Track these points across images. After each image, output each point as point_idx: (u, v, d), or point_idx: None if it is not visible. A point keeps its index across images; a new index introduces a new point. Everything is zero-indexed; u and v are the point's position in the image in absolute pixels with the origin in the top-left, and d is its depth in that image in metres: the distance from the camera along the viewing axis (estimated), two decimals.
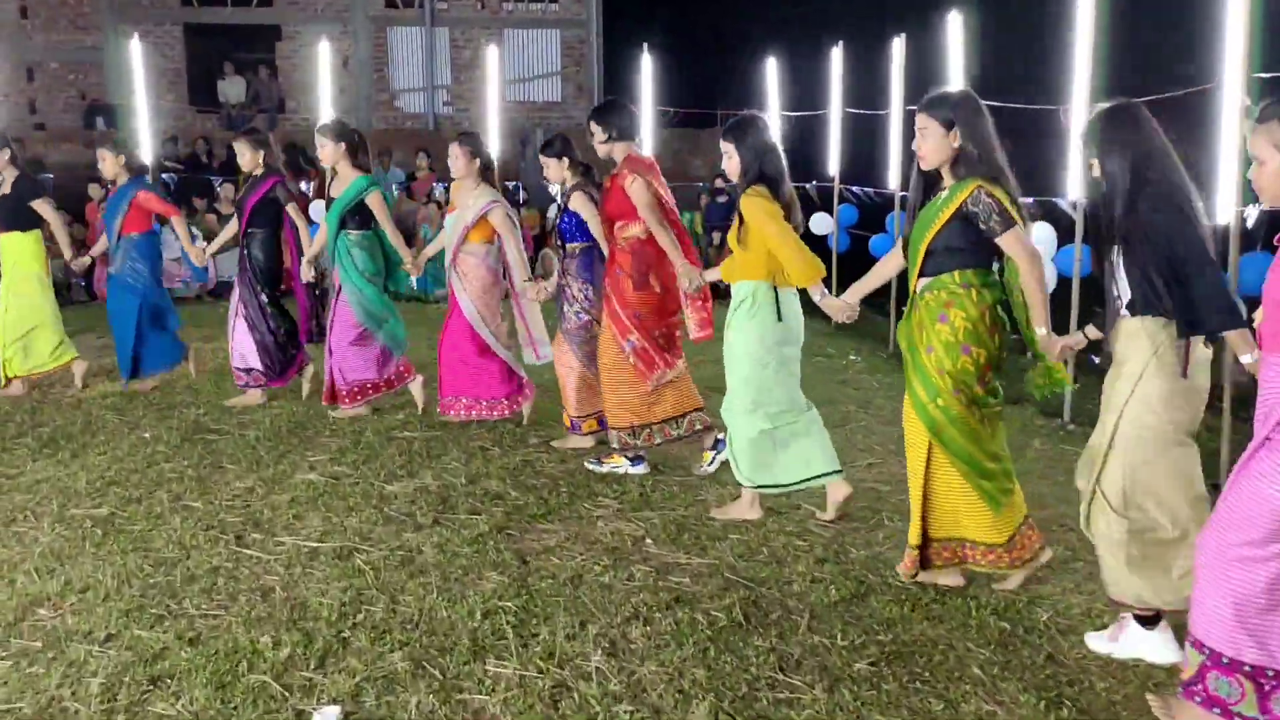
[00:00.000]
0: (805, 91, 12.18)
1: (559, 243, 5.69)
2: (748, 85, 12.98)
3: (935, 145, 3.69)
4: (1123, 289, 3.31)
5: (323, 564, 4.13)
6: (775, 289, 4.45)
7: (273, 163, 6.66)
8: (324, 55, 11.25)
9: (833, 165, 10.76)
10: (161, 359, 7.19)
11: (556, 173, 5.63)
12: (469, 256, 6.08)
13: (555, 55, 18.52)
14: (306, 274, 6.60)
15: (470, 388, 6.14)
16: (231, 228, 6.86)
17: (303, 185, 14.12)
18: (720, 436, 5.24)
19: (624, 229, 5.17)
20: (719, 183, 13.51)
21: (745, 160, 4.42)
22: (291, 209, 6.60)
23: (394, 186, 13.47)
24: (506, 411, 6.17)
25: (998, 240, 3.64)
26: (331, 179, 6.48)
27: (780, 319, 4.46)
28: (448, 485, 5.13)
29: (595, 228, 5.47)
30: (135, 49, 11.01)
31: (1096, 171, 3.36)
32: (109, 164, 7.00)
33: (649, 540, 4.40)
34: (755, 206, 4.36)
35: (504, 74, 18.35)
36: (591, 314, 5.53)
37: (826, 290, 4.38)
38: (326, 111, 10.86)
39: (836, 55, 10.54)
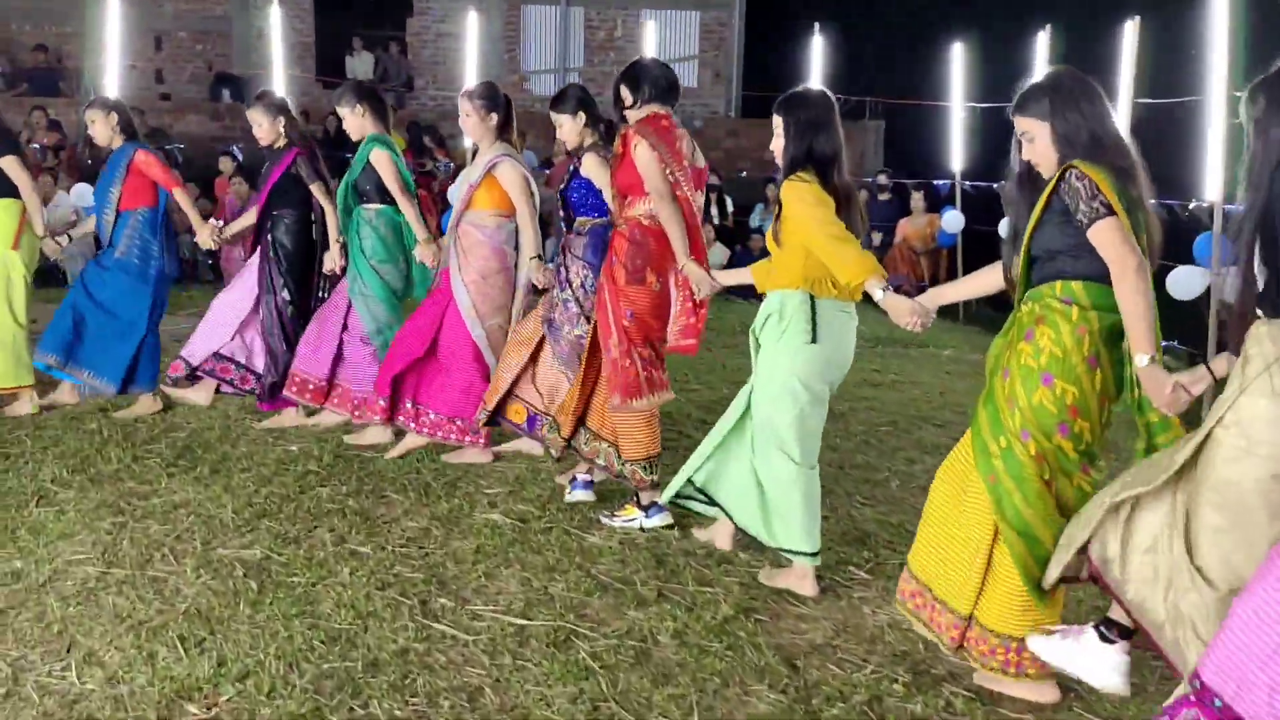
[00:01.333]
0: (999, 80, 10.99)
1: (564, 216, 4.74)
2: (926, 72, 11.82)
3: (1044, 148, 2.95)
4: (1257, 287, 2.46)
5: (535, 652, 3.23)
6: (812, 301, 3.59)
7: (293, 133, 5.57)
8: (472, 26, 10.44)
9: None
10: (150, 373, 5.76)
11: (572, 132, 4.61)
12: (472, 229, 5.01)
13: (694, 39, 17.54)
14: (330, 262, 5.54)
15: (437, 397, 5.12)
16: (252, 213, 5.83)
17: (431, 165, 13.47)
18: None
19: (630, 206, 4.23)
20: (881, 178, 12.40)
21: (791, 139, 3.62)
22: (316, 189, 5.51)
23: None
24: (455, 436, 5.13)
25: (1088, 234, 2.82)
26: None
27: (815, 340, 3.58)
28: (658, 539, 4.21)
29: (610, 198, 4.46)
30: (275, 17, 10.37)
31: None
32: (99, 127, 5.63)
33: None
34: (796, 193, 3.54)
35: (639, 56, 17.53)
36: (587, 309, 4.57)
37: (889, 286, 3.39)
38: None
39: (1043, 40, 9.40)
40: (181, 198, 5.73)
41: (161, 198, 5.71)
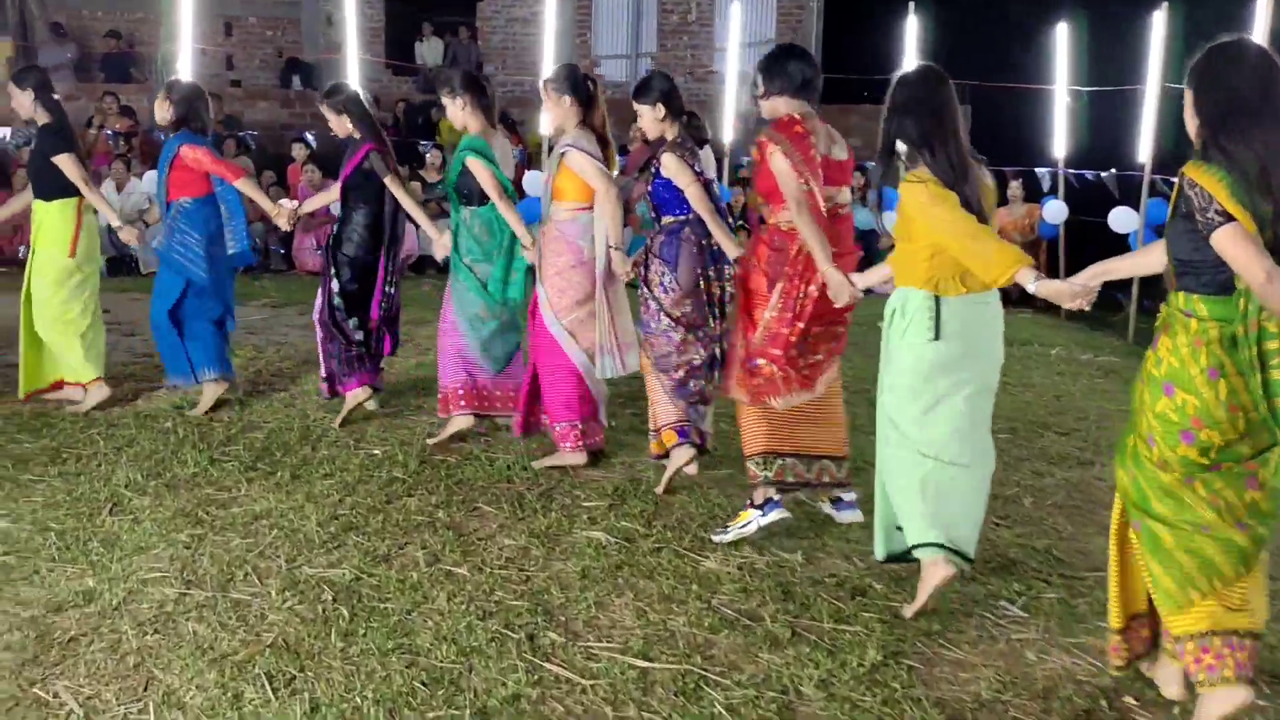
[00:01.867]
0: (1108, 63, 10.38)
1: (652, 214, 4.65)
2: (1024, 54, 11.22)
3: (1192, 129, 2.77)
4: None
5: (663, 703, 2.85)
6: (936, 299, 3.38)
7: (364, 126, 5.32)
8: (550, 10, 10.08)
9: (1143, 151, 9.02)
10: (210, 356, 5.50)
11: (651, 123, 4.51)
12: (550, 222, 4.86)
13: (770, 22, 17.02)
14: (441, 252, 5.38)
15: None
16: (332, 193, 5.70)
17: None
18: (845, 496, 4.14)
19: (772, 213, 4.07)
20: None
21: (888, 124, 3.44)
22: (390, 181, 5.31)
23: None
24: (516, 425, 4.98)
25: (1211, 242, 2.62)
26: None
27: (938, 337, 3.37)
28: (782, 565, 3.81)
29: (695, 197, 4.45)
30: (349, 2, 10.09)
31: None
32: (158, 110, 5.52)
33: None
34: (912, 198, 3.33)
35: (713, 42, 17.06)
36: (666, 306, 4.50)
37: (1041, 273, 3.12)
38: (545, 69, 9.70)
39: (1159, 20, 8.79)
40: (246, 186, 5.51)
41: (216, 189, 5.52)
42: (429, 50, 16.15)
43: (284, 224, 5.74)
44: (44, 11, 15.86)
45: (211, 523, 4.00)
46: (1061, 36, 10.29)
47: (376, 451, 4.93)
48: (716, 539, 4.01)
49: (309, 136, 11.74)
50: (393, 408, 5.68)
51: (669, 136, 4.55)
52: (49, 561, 3.61)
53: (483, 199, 5.08)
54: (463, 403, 5.05)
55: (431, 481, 4.54)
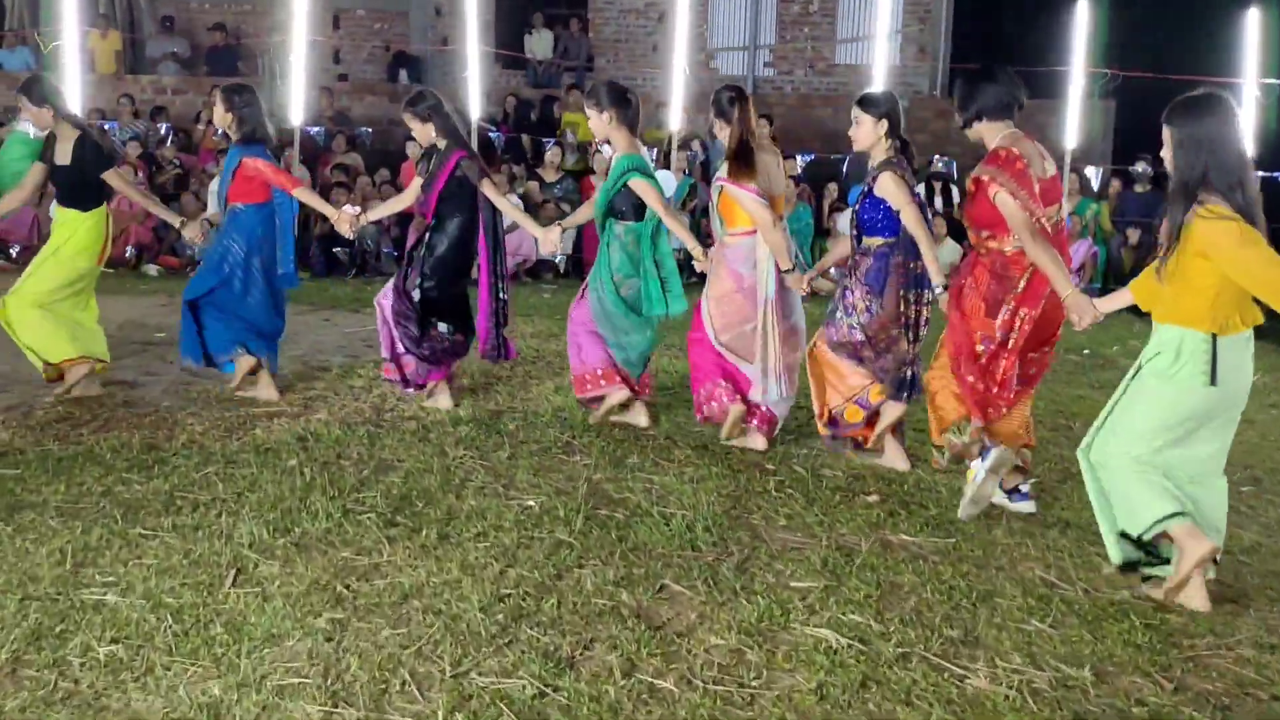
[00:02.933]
0: None
1: (854, 234, 4.70)
2: (1213, 44, 10.15)
3: None
4: None
5: None
6: (1214, 340, 3.32)
7: (449, 136, 5.27)
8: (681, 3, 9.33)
9: None
10: (224, 342, 5.52)
11: (869, 136, 4.57)
12: (719, 248, 5.02)
13: (897, 11, 16.03)
14: (548, 248, 5.54)
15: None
16: (405, 197, 5.62)
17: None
18: (1023, 487, 4.34)
19: (992, 239, 4.12)
20: (1140, 166, 10.76)
21: (1185, 156, 3.31)
22: (486, 186, 5.27)
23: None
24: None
25: None
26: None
27: (1214, 382, 3.32)
28: (1067, 682, 3.00)
29: (912, 220, 4.47)
30: None
31: None
32: (217, 115, 5.63)
33: None
34: (1221, 234, 3.23)
35: (835, 33, 16.14)
36: (869, 332, 4.61)
37: None
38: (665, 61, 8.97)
39: None
40: (304, 195, 5.54)
41: (275, 197, 5.57)
42: (539, 43, 15.53)
43: (346, 230, 5.62)
44: (152, 5, 15.62)
45: (354, 602, 3.32)
46: (1252, 24, 9.23)
47: (531, 503, 4.22)
48: (963, 515, 4.14)
49: None
50: (538, 444, 4.98)
51: (879, 155, 4.56)
52: (165, 654, 2.96)
53: (636, 214, 5.10)
54: (602, 382, 5.20)
55: (603, 547, 3.81)
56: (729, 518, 4.15)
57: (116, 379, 5.89)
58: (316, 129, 12.20)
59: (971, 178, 4.11)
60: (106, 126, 12.11)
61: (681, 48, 9.44)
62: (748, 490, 4.46)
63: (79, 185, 5.43)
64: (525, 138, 12.81)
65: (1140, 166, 10.69)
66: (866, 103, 4.59)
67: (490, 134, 12.08)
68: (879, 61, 11.35)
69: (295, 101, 10.13)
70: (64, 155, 5.40)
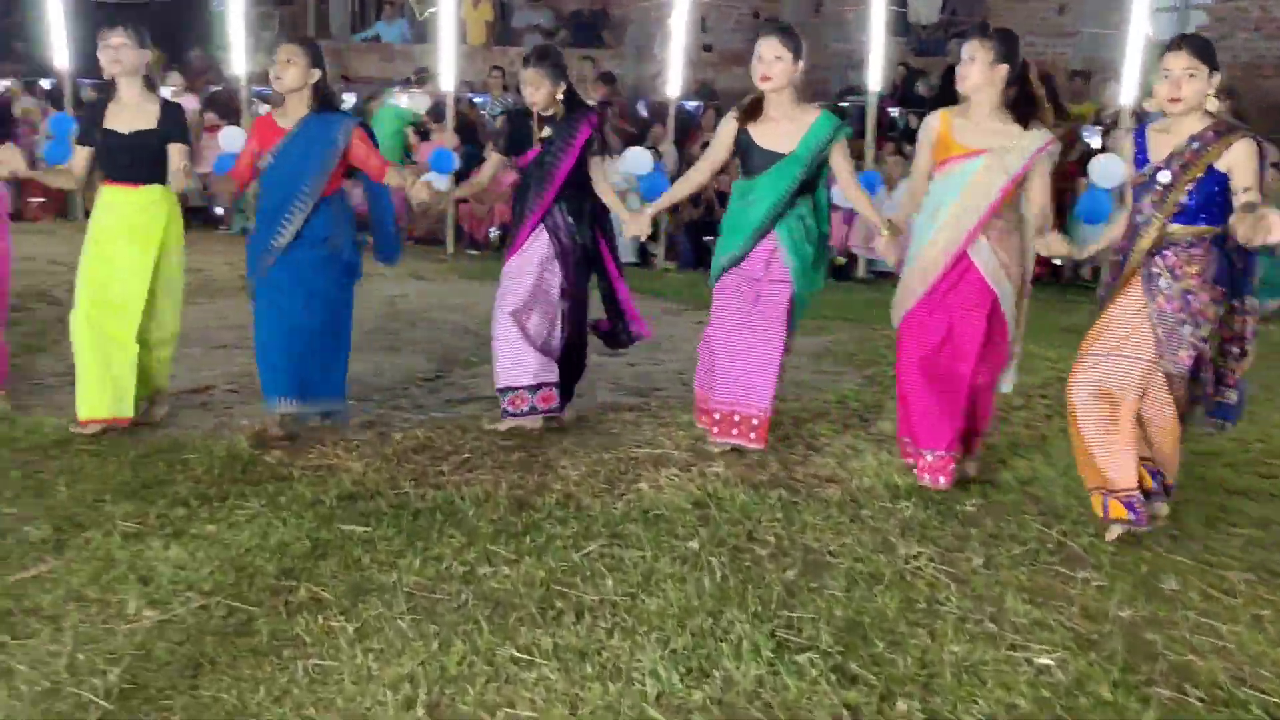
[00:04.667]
0: None
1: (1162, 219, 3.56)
2: None
3: None
4: None
5: None
6: None
7: (578, 98, 4.55)
8: None
9: None
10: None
11: (1198, 93, 3.42)
12: (998, 227, 3.95)
13: None
14: (637, 228, 4.56)
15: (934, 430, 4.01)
16: (491, 166, 4.78)
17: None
18: None
19: None
20: None
21: None
22: (600, 162, 4.57)
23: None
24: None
25: None
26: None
27: None
28: None
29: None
30: None
31: None
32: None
33: None
34: None
35: None
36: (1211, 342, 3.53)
37: None
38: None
39: None
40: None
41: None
42: (924, 4, 13.83)
43: (421, 195, 4.35)
44: None
45: None
46: None
47: (1048, 661, 2.84)
48: None
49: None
50: (1019, 543, 3.58)
51: (1208, 112, 3.49)
52: None
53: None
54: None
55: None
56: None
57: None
58: (696, 104, 11.30)
59: None
60: (476, 100, 11.79)
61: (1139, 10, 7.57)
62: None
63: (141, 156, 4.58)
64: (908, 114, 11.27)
65: None
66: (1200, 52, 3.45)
67: None
68: None
69: (672, 74, 9.19)
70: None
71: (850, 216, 8.79)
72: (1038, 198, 3.94)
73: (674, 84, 9.44)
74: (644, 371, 5.71)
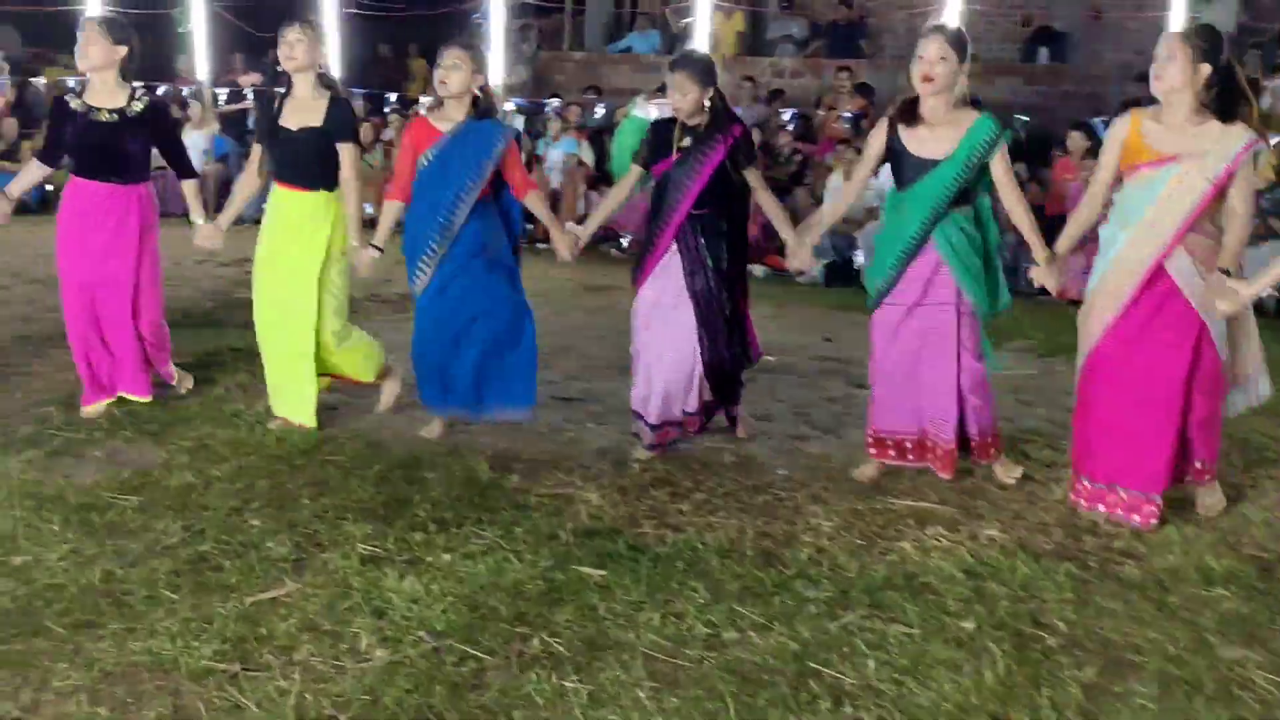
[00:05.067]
0: None
1: None
2: None
3: None
4: None
5: None
6: None
7: (726, 107, 4.27)
8: None
9: None
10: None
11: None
12: (1201, 243, 3.52)
13: None
14: (799, 262, 4.25)
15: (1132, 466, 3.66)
16: (620, 193, 4.50)
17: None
18: None
19: None
20: None
21: None
22: (753, 176, 4.27)
23: None
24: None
25: None
26: None
27: None
28: None
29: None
30: None
31: None
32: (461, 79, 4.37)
33: None
34: None
35: None
36: None
37: None
38: None
39: None
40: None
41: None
42: (1222, 9, 12.53)
43: (565, 254, 4.45)
44: None
45: None
46: None
47: None
48: None
49: (1097, 122, 9.11)
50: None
51: None
52: None
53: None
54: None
55: None
56: None
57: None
58: None
59: None
60: None
61: None
62: None
63: (331, 160, 4.51)
64: None
65: None
66: None
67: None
68: None
69: None
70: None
71: None
72: (1240, 206, 3.46)
73: None
74: None
